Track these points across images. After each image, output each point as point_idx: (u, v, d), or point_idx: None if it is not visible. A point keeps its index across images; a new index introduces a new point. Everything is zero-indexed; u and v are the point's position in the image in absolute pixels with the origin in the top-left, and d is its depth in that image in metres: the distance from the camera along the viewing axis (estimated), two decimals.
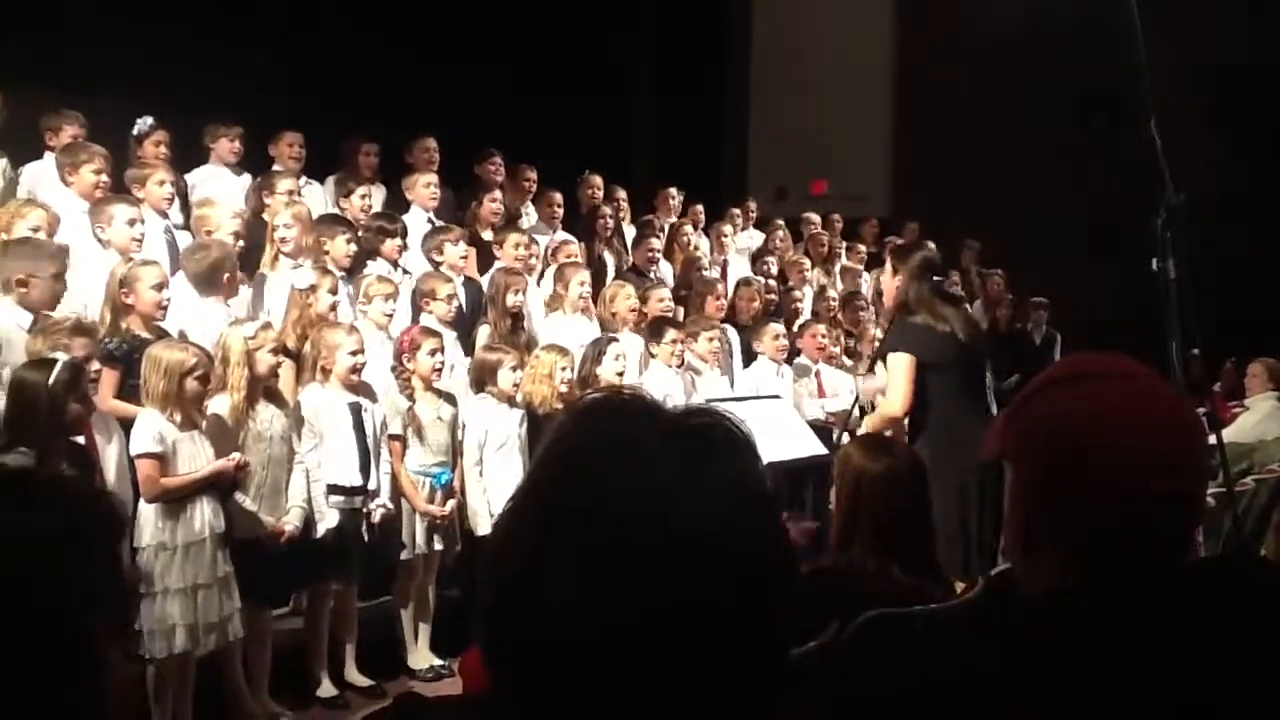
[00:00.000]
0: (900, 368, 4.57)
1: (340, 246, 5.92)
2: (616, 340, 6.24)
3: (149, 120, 6.54)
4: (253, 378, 4.67)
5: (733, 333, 7.62)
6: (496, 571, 0.94)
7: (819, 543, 4.03)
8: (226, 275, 5.28)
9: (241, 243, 5.60)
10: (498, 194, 7.48)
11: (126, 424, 4.45)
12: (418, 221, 6.92)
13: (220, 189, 6.68)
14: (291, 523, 4.77)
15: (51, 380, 3.82)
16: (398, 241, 6.33)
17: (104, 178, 5.59)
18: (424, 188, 7.19)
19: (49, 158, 6.00)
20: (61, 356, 3.99)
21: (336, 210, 6.78)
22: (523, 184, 8.16)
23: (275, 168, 6.86)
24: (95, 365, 4.22)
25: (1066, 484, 1.25)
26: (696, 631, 0.87)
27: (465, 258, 6.62)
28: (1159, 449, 1.24)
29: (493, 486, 5.38)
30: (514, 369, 5.52)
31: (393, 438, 5.25)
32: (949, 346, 4.57)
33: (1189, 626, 1.18)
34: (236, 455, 4.48)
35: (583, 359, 6.04)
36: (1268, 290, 9.64)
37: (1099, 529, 1.24)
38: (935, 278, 4.81)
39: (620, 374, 5.99)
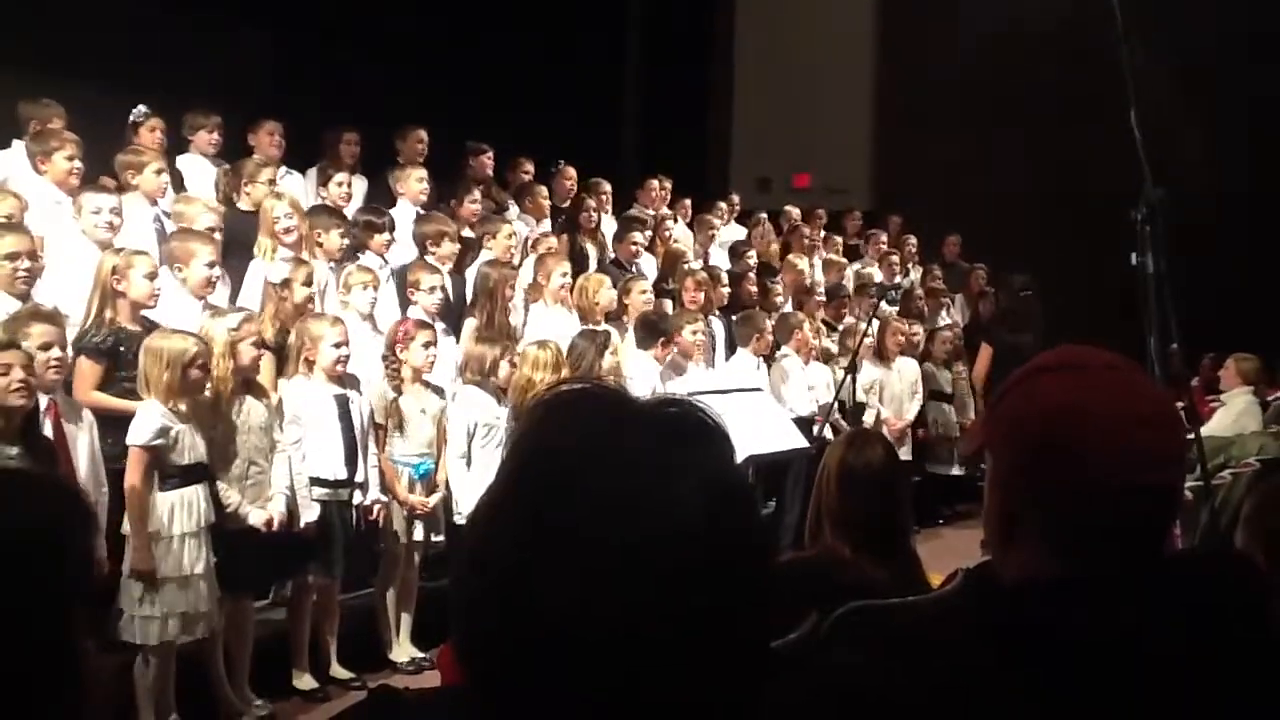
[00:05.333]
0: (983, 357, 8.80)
1: (334, 240, 5.93)
2: (609, 334, 6.24)
3: (144, 109, 6.47)
4: (235, 369, 4.66)
5: (717, 324, 7.63)
6: (468, 570, 0.94)
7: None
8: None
9: (219, 235, 5.54)
10: (477, 194, 7.44)
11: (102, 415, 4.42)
12: (406, 215, 6.88)
13: (199, 178, 6.63)
14: (275, 509, 4.74)
15: None
16: (385, 236, 6.29)
17: (77, 164, 5.48)
18: (416, 182, 7.14)
19: (18, 146, 5.84)
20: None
21: (317, 199, 6.74)
22: (521, 176, 8.16)
23: (255, 157, 6.80)
24: (57, 352, 4.16)
25: (1046, 474, 1.25)
26: (674, 625, 0.87)
27: (452, 254, 6.58)
28: (1139, 439, 1.24)
29: (484, 477, 5.37)
30: (510, 363, 5.53)
31: (376, 426, 5.25)
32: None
33: (1159, 619, 1.19)
34: None
35: (582, 351, 6.02)
36: (1244, 285, 9.72)
37: (1077, 520, 1.24)
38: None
39: (616, 368, 5.98)
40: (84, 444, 4.28)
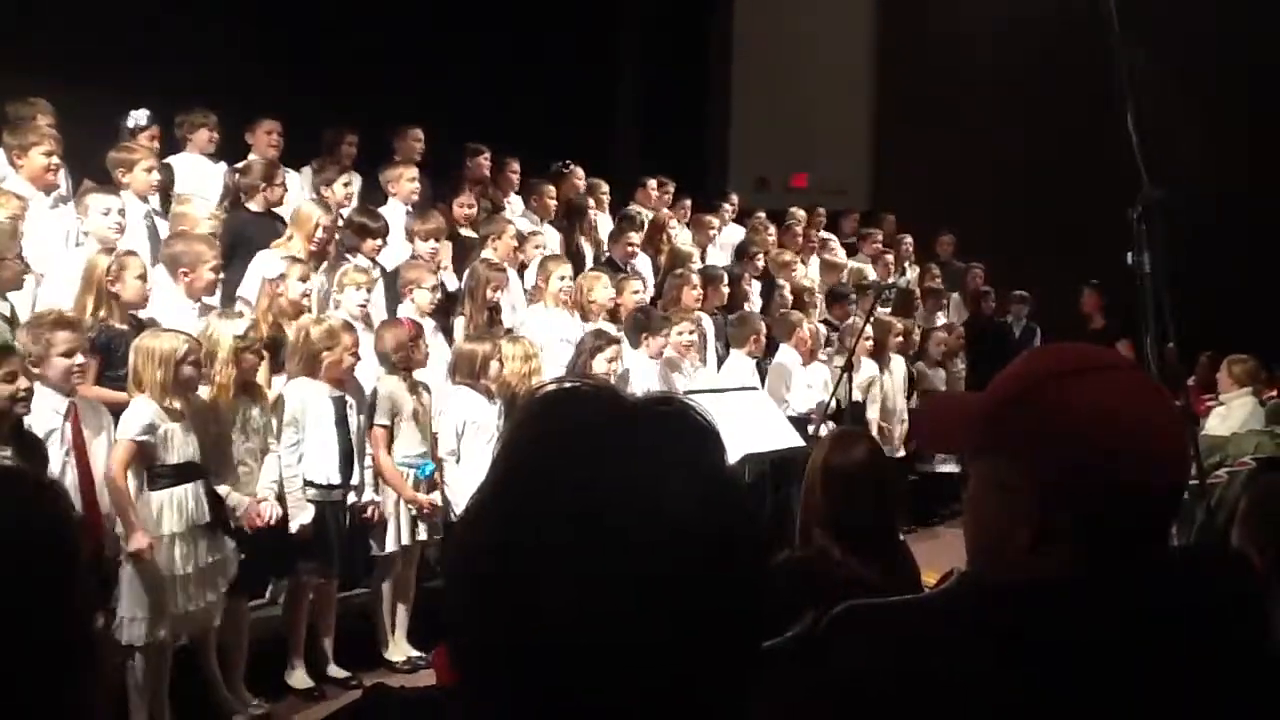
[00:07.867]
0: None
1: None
2: (619, 341, 6.23)
3: (144, 113, 6.45)
4: (238, 376, 4.66)
5: (708, 322, 7.62)
6: (461, 569, 0.93)
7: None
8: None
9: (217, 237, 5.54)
10: (470, 196, 7.43)
11: (115, 411, 4.41)
12: (396, 214, 6.87)
13: (197, 178, 6.61)
14: (265, 507, 4.71)
15: None
16: (378, 242, 6.28)
17: (54, 160, 5.37)
18: (407, 181, 7.12)
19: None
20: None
21: (313, 197, 6.71)
22: (508, 176, 8.15)
23: (255, 158, 6.78)
24: (80, 359, 4.17)
25: (1078, 476, 1.23)
26: (668, 624, 0.86)
27: (434, 253, 6.53)
28: (1165, 441, 1.25)
29: (476, 475, 5.36)
30: (499, 362, 5.53)
31: (379, 427, 5.24)
32: None
33: (1158, 619, 1.19)
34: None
35: (579, 350, 6.01)
36: (1243, 285, 9.73)
37: (1108, 521, 1.22)
38: None
39: (612, 371, 5.97)
40: (101, 447, 4.28)
